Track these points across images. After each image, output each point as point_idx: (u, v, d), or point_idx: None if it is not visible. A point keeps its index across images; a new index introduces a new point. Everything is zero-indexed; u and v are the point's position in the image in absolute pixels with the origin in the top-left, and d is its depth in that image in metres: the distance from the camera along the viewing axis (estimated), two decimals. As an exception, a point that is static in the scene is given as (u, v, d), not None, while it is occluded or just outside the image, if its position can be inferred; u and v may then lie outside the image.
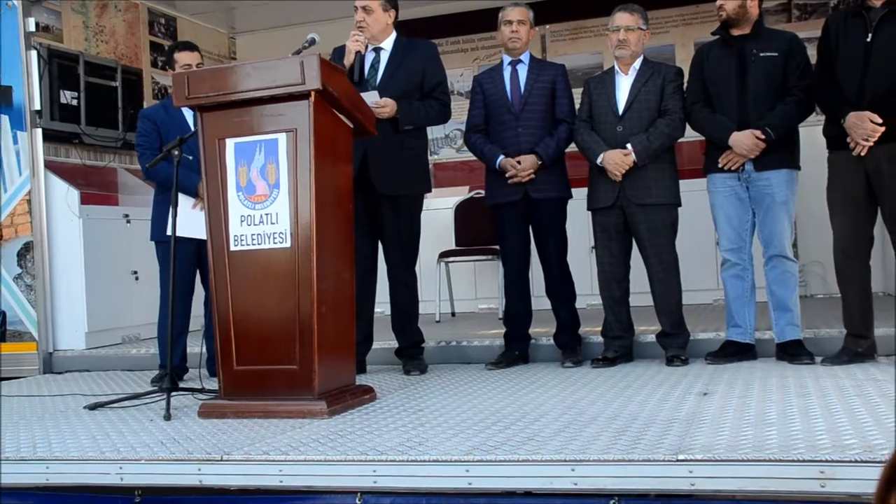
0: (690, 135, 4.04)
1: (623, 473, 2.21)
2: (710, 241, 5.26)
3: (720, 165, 3.79)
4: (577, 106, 4.15)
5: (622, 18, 3.95)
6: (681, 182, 4.02)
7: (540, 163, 4.01)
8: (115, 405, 3.59)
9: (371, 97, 3.79)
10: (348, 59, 3.89)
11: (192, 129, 4.06)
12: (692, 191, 4.24)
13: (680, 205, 3.98)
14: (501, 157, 4.04)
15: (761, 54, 3.75)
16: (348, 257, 3.40)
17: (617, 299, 4.02)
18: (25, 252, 5.16)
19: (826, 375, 3.32)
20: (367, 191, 3.90)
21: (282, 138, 3.21)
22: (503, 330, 4.26)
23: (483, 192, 4.66)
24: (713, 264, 5.36)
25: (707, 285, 5.47)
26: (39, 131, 5.21)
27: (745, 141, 3.71)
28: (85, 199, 5.24)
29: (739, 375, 3.46)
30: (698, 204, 4.19)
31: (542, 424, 2.73)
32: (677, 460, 2.19)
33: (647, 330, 4.18)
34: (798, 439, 2.30)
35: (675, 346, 3.92)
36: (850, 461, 2.07)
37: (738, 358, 3.81)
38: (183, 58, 4.20)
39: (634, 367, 3.88)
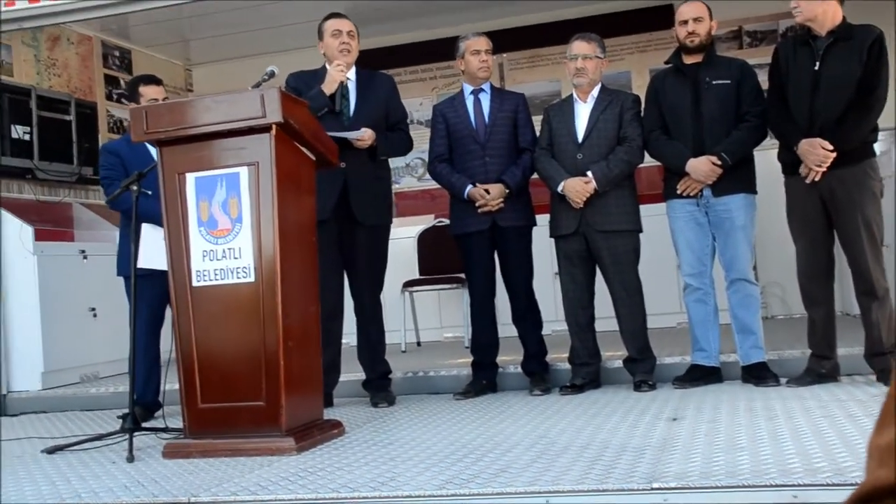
0: (649, 160, 4.09)
1: (599, 503, 2.20)
2: (671, 265, 5.33)
3: (679, 192, 3.85)
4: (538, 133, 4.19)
5: (580, 47, 4.01)
6: (641, 207, 4.06)
7: (507, 191, 4.03)
8: (76, 448, 3.49)
9: (356, 135, 3.85)
10: (330, 88, 3.90)
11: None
12: (652, 215, 4.29)
13: (641, 230, 4.03)
14: (470, 186, 4.05)
15: (714, 82, 3.82)
16: (313, 290, 3.37)
17: (582, 326, 4.03)
18: (-23, 292, 5.02)
19: (792, 397, 3.36)
20: (344, 220, 3.91)
21: (243, 172, 3.17)
22: (470, 359, 4.25)
23: (446, 220, 4.67)
24: (675, 288, 5.41)
25: (669, 309, 5.52)
26: (-10, 167, 5.11)
27: (701, 167, 3.77)
28: (39, 236, 5.12)
29: (707, 399, 3.49)
30: (658, 229, 4.24)
31: (515, 455, 2.71)
32: (652, 489, 2.19)
33: (613, 355, 4.20)
34: (769, 464, 2.31)
35: (642, 371, 3.94)
36: (823, 484, 2.09)
37: (704, 381, 3.84)
38: (149, 92, 4.17)
39: (603, 394, 3.89)
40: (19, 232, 5.07)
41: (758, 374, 3.75)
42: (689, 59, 3.87)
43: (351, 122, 3.95)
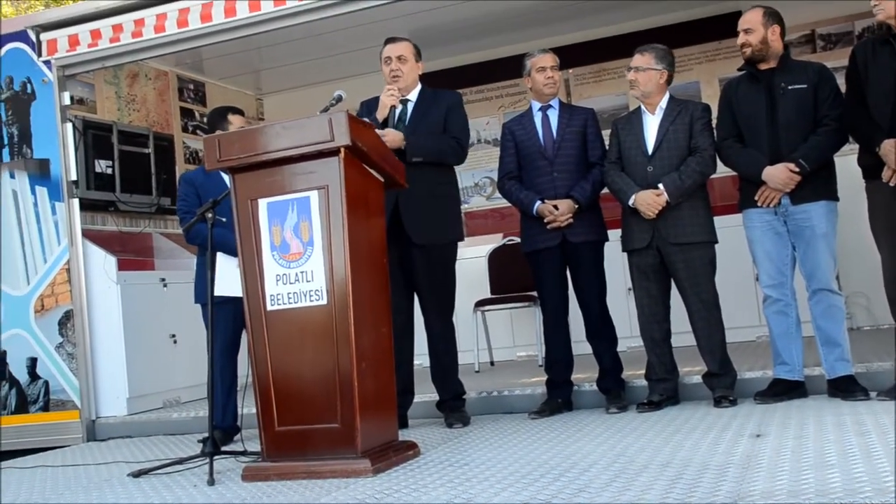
0: (722, 171, 4.00)
1: (681, 524, 2.14)
2: (749, 276, 5.18)
3: (757, 203, 3.74)
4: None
5: (634, 59, 3.99)
6: (715, 219, 3.96)
7: (577, 206, 4.00)
8: (159, 472, 3.57)
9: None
10: (382, 114, 3.92)
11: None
12: (726, 227, 4.19)
13: (717, 241, 3.93)
14: (538, 202, 4.03)
15: (790, 87, 3.72)
16: (385, 311, 3.38)
17: (658, 341, 3.95)
18: (66, 321, 5.22)
19: (883, 412, 3.20)
20: (400, 241, 3.89)
21: (314, 196, 3.22)
22: (544, 377, 4.20)
23: (516, 238, 4.63)
24: (753, 300, 5.26)
25: (748, 322, 5.36)
26: (76, 201, 5.31)
27: (778, 175, 3.66)
28: (122, 266, 5.30)
29: (792, 415, 3.36)
30: (734, 240, 4.14)
31: (593, 474, 2.66)
32: (737, 508, 2.11)
33: (691, 371, 4.10)
34: (863, 482, 2.21)
35: (723, 386, 3.83)
36: (922, 502, 1.98)
37: (788, 396, 3.71)
38: (236, 121, 4.31)
39: (681, 410, 3.79)
40: (103, 262, 5.26)
41: (845, 388, 3.60)
42: (763, 66, 3.78)
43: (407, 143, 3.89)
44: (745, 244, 3.89)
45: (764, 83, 3.75)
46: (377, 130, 3.73)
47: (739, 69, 3.92)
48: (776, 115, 3.71)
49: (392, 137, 3.81)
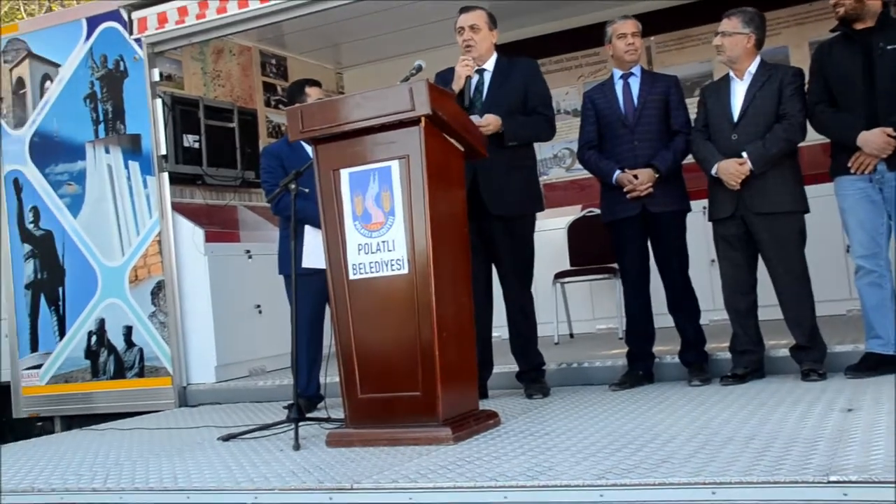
0: (812, 138, 3.85)
1: (769, 496, 2.09)
2: (839, 247, 5.00)
3: (851, 170, 3.59)
4: (691, 116, 4.04)
5: (721, 24, 3.87)
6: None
7: (657, 176, 3.92)
8: (247, 436, 3.70)
9: (474, 120, 3.79)
10: (458, 84, 3.90)
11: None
12: (815, 196, 4.03)
13: (807, 211, 3.80)
14: (618, 171, 3.97)
15: (889, 47, 3.54)
16: (466, 282, 3.39)
17: (743, 312, 3.85)
18: (158, 291, 5.42)
19: None
20: (479, 212, 3.87)
21: (395, 165, 3.24)
22: (624, 349, 4.16)
23: (596, 210, 4.57)
24: (843, 272, 5.07)
25: (838, 295, 5.17)
26: (166, 175, 5.47)
27: (875, 140, 3.51)
28: (209, 238, 5.46)
29: (885, 390, 3.24)
30: (823, 209, 3.99)
31: (676, 446, 2.63)
32: (829, 482, 2.05)
33: (777, 344, 3.99)
34: (963, 457, 2.12)
35: (811, 359, 3.72)
36: None
37: (881, 371, 3.57)
38: (314, 93, 4.37)
39: (767, 384, 3.70)
40: (192, 234, 5.43)
41: (944, 363, 3.45)
42: (859, 26, 3.61)
43: (483, 113, 3.88)
44: (834, 214, 3.75)
45: (860, 44, 3.59)
46: (476, 119, 3.75)
47: (832, 30, 3.75)
48: (873, 77, 3.54)
49: (494, 124, 3.82)
